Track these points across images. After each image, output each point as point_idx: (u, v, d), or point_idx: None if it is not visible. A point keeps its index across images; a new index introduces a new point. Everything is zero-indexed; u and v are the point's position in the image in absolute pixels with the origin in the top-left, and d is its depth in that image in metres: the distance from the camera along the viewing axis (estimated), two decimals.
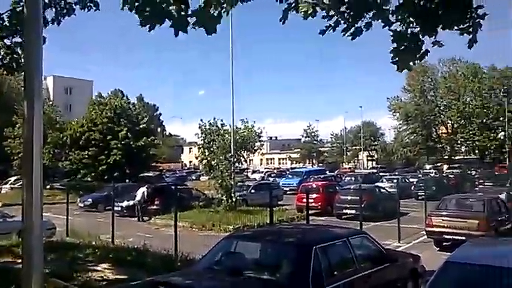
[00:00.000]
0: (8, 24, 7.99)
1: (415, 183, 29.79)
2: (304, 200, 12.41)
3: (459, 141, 67.21)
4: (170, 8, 4.43)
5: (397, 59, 4.54)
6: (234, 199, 19.82)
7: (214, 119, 24.46)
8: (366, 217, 14.31)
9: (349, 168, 65.05)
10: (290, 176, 40.23)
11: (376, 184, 26.37)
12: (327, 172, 46.31)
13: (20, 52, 8.17)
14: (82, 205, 23.71)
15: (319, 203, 20.58)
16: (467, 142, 64.99)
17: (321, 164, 72.17)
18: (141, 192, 20.38)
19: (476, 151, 65.44)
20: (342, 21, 4.59)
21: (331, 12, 4.55)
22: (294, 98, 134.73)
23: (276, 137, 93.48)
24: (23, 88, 3.10)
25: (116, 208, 15.90)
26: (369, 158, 78.69)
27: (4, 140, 35.99)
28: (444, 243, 12.40)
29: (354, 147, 78.16)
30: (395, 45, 4.54)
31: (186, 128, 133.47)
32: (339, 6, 4.49)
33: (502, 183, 26.13)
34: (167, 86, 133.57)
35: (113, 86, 65.10)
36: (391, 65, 4.65)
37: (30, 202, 2.89)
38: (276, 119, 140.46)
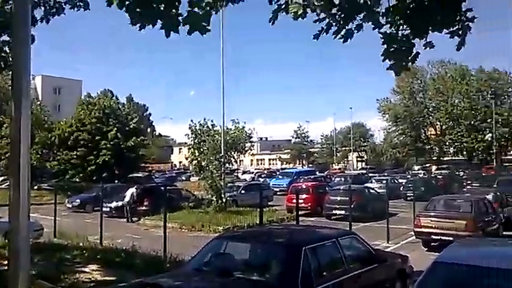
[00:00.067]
0: None
1: (404, 184, 30.03)
2: (294, 200, 12.45)
3: (447, 143, 67.97)
4: (161, 7, 4.40)
5: (392, 62, 4.56)
6: (224, 200, 19.80)
7: (204, 119, 24.40)
8: (355, 218, 14.39)
9: (339, 169, 65.35)
10: (280, 177, 40.29)
11: (366, 185, 26.54)
12: (317, 173, 46.50)
13: (7, 51, 8.06)
14: (70, 206, 23.50)
15: (309, 204, 20.64)
16: (456, 143, 65.74)
17: (311, 165, 72.38)
18: (130, 192, 20.25)
19: (464, 152, 66.18)
20: (334, 23, 4.60)
21: (322, 15, 4.56)
22: (284, 98, 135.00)
23: (267, 138, 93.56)
24: (10, 87, 3.07)
25: (104, 209, 15.81)
26: (358, 158, 79.14)
27: None
28: (432, 244, 12.51)
29: (344, 148, 78.56)
30: (385, 47, 4.56)
31: (176, 128, 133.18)
32: (330, 8, 4.50)
33: (489, 184, 26.47)
34: (157, 86, 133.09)
35: (103, 86, 64.91)
36: (381, 67, 4.68)
37: (17, 202, 2.85)
38: (266, 120, 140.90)
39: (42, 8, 7.54)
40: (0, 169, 35.75)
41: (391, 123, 72.12)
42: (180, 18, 4.40)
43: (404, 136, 70.54)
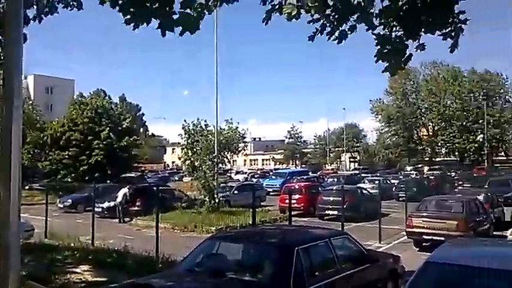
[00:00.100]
0: None
1: (396, 184, 30.19)
2: (287, 200, 12.45)
3: (439, 143, 68.45)
4: (154, 6, 4.39)
5: (386, 64, 4.58)
6: (216, 200, 19.76)
7: (198, 119, 24.36)
8: (348, 218, 14.45)
9: (332, 169, 65.57)
10: (273, 177, 40.33)
11: (358, 185, 26.63)
12: (310, 173, 46.62)
13: None
14: (61, 206, 23.32)
15: (302, 204, 20.67)
16: (448, 144, 66.22)
17: (304, 165, 72.54)
18: (123, 193, 20.14)
19: (456, 153, 66.72)
20: (328, 24, 4.61)
21: (316, 16, 4.57)
22: (278, 99, 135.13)
23: (260, 138, 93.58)
24: (2, 87, 3.05)
25: (96, 209, 15.70)
26: (351, 159, 79.43)
27: None
28: (424, 244, 12.58)
29: (337, 149, 78.82)
30: (379, 48, 4.58)
31: (170, 128, 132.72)
32: (324, 9, 4.51)
33: (480, 184, 26.70)
34: (151, 86, 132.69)
35: (96, 86, 64.43)
36: (373, 68, 4.72)
37: (7, 202, 2.84)
38: (260, 120, 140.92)
39: (35, 7, 7.47)
40: None
41: (384, 124, 72.51)
42: (174, 17, 4.39)
43: (396, 137, 70.95)
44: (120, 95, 64.23)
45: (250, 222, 12.34)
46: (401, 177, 39.11)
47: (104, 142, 33.12)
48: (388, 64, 4.56)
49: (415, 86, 71.67)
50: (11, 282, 2.79)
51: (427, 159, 69.00)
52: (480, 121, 61.27)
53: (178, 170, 60.07)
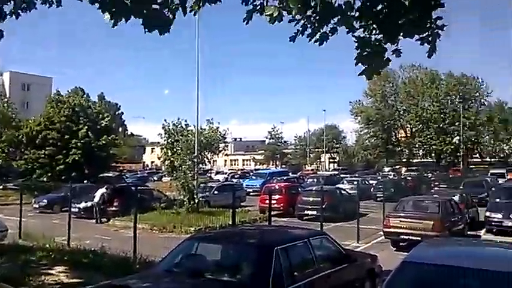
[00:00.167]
0: None
1: (374, 185, 30.57)
2: (267, 201, 12.45)
3: (417, 145, 69.75)
4: (132, 5, 4.32)
5: (364, 67, 4.61)
6: (196, 200, 19.64)
7: (178, 119, 24.19)
8: (327, 218, 14.53)
9: (312, 170, 66.04)
10: (254, 178, 40.36)
11: (337, 186, 26.87)
12: (290, 174, 46.79)
13: None
14: (37, 206, 22.83)
15: (282, 204, 20.72)
16: (425, 146, 67.55)
17: (284, 166, 72.83)
18: (100, 193, 19.84)
19: (433, 155, 68.10)
20: (309, 26, 4.62)
21: (298, 17, 4.58)
22: (259, 100, 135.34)
23: (241, 138, 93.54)
24: None
25: (72, 209, 15.40)
26: (331, 160, 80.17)
27: None
28: (401, 244, 12.75)
29: (317, 150, 79.42)
30: (359, 51, 4.61)
31: (149, 128, 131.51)
32: (305, 10, 4.52)
33: (456, 185, 27.28)
34: (131, 85, 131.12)
35: (75, 84, 62.93)
36: (354, 70, 4.72)
37: None
38: (241, 121, 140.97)
39: (12, 2, 7.26)
40: None
41: (363, 125, 73.48)
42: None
43: (375, 138, 71.98)
44: (99, 94, 63.34)
45: (230, 223, 12.31)
46: (379, 178, 39.68)
47: (82, 141, 32.53)
48: (365, 67, 4.60)
49: (394, 89, 72.87)
50: None
51: (404, 160, 70.25)
52: (456, 123, 62.73)
53: (158, 170, 59.56)
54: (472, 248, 6.54)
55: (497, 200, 17.03)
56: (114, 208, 19.60)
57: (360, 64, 4.63)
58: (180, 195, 20.08)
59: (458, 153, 62.79)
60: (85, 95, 40.51)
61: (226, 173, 53.97)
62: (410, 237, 12.04)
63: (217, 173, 55.58)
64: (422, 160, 69.24)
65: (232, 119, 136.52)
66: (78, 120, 33.87)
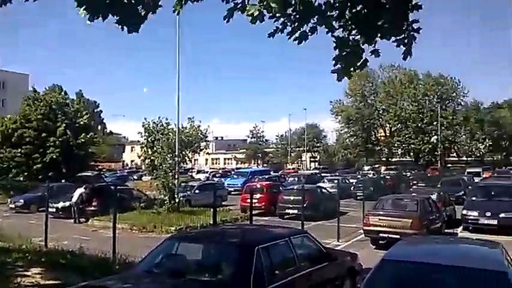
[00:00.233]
0: None
1: (354, 183, 30.86)
2: (248, 200, 12.46)
3: (396, 144, 70.80)
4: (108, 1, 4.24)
5: (337, 67, 4.64)
6: (177, 200, 19.48)
7: (159, 117, 23.89)
8: (308, 217, 14.63)
9: (293, 168, 66.30)
10: (235, 176, 40.28)
11: (318, 184, 27.02)
12: (272, 172, 46.89)
13: None
14: (13, 206, 22.35)
15: (263, 203, 20.76)
16: (403, 145, 68.61)
17: (265, 165, 73.00)
18: (79, 192, 19.50)
19: (411, 154, 69.22)
20: (289, 24, 4.63)
21: (278, 15, 4.58)
22: (241, 98, 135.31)
23: (222, 137, 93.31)
24: None
25: (50, 209, 15.12)
26: (311, 159, 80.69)
27: None
28: (380, 242, 12.91)
29: (298, 149, 79.85)
30: (337, 52, 4.64)
31: (129, 126, 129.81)
32: (286, 9, 4.53)
33: (434, 184, 27.77)
34: (110, 82, 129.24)
35: (54, 82, 61.47)
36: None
37: None
38: (222, 120, 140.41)
39: None
40: None
41: (344, 124, 74.18)
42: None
43: (355, 137, 72.75)
44: (77, 91, 62.20)
45: (211, 222, 12.26)
46: (359, 176, 40.07)
47: (60, 139, 31.90)
48: (343, 67, 4.63)
49: (373, 88, 73.77)
50: None
51: (384, 159, 71.25)
52: (434, 123, 63.88)
53: (138, 169, 58.89)
54: (449, 246, 6.68)
55: (474, 199, 17.38)
56: (93, 208, 19.31)
57: (337, 65, 4.67)
58: (160, 194, 19.90)
59: (436, 153, 63.96)
60: (63, 93, 39.68)
61: (207, 172, 53.72)
62: (390, 235, 12.21)
63: (199, 172, 55.29)
64: (401, 159, 70.32)
65: (213, 117, 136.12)
66: (56, 118, 33.19)
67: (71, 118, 34.13)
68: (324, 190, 22.48)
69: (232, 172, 48.47)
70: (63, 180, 27.09)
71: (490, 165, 56.54)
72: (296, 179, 35.48)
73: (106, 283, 5.69)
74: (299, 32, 4.61)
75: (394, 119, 68.39)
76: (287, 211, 19.03)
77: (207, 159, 77.78)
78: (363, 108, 71.50)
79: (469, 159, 69.54)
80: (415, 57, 4.72)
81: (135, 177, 46.52)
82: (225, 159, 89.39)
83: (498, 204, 15.84)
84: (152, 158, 22.53)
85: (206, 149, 36.96)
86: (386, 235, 12.60)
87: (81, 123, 34.56)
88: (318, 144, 79.97)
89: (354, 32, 4.61)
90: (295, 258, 6.52)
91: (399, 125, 68.61)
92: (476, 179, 34.48)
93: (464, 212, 16.07)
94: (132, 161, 79.36)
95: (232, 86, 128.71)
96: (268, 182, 27.47)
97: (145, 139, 23.57)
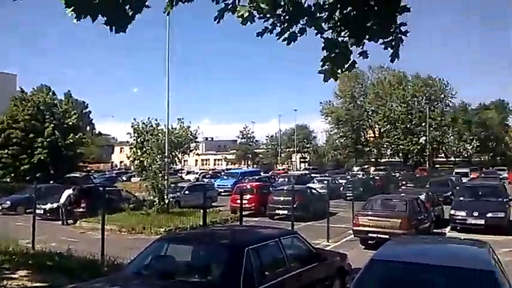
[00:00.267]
0: None
1: (344, 184, 31.01)
2: (238, 201, 12.44)
3: (385, 145, 71.41)
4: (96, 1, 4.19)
5: (324, 68, 4.66)
6: (166, 201, 19.37)
7: (148, 118, 23.76)
8: (298, 217, 14.64)
9: (283, 169, 66.47)
10: (225, 177, 40.19)
11: (308, 185, 27.09)
12: (262, 173, 46.90)
13: None
14: None
15: (253, 204, 20.75)
16: (392, 146, 69.21)
17: (256, 165, 73.02)
18: (67, 194, 19.29)
19: (400, 154, 69.84)
20: (278, 24, 4.63)
21: (268, 16, 4.58)
22: (231, 99, 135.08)
23: (212, 138, 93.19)
24: None
25: (37, 211, 14.95)
26: (301, 159, 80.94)
27: None
28: (369, 242, 12.96)
29: (288, 149, 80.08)
30: (325, 53, 4.66)
31: (119, 127, 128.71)
32: (275, 10, 4.53)
33: (422, 184, 28.00)
34: (99, 83, 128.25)
35: (42, 82, 60.53)
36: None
37: None
38: (213, 120, 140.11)
39: None
40: None
41: (333, 125, 74.64)
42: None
43: (345, 138, 73.22)
44: (65, 92, 61.56)
45: (201, 223, 12.20)
46: (348, 177, 40.20)
47: (48, 140, 31.58)
48: (329, 69, 4.65)
49: (363, 90, 74.34)
50: None
51: (373, 160, 71.79)
52: (423, 124, 64.53)
53: (127, 170, 58.56)
54: (437, 246, 6.73)
55: (461, 199, 17.55)
56: (81, 209, 19.10)
57: (325, 66, 4.68)
58: (149, 195, 19.77)
59: (424, 153, 64.60)
60: (51, 93, 39.29)
61: (197, 173, 53.60)
62: (379, 235, 12.25)
63: (188, 172, 55.11)
64: (390, 160, 70.91)
65: (204, 118, 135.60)
66: (44, 119, 32.86)
67: (59, 119, 33.81)
68: (313, 191, 22.54)
69: (222, 173, 48.38)
70: (51, 182, 26.81)
71: (477, 166, 57.32)
72: (286, 179, 35.51)
73: (94, 285, 5.65)
74: (288, 32, 4.61)
75: (383, 120, 68.94)
76: (277, 212, 19.03)
77: (196, 160, 77.55)
78: (352, 110, 71.98)
79: (457, 159, 70.40)
80: (405, 59, 4.76)
81: (124, 178, 46.22)
82: (215, 160, 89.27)
83: (485, 204, 16.03)
84: (141, 159, 22.41)
85: (196, 149, 36.83)
86: (375, 235, 12.64)
87: (70, 123, 34.25)
88: (308, 145, 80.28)
89: (342, 33, 4.63)
90: (285, 258, 6.52)
91: (388, 126, 69.19)
92: (464, 180, 34.86)
93: (452, 212, 16.23)
94: (121, 162, 78.89)
95: (223, 87, 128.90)
96: (258, 183, 27.46)
97: (134, 140, 23.43)
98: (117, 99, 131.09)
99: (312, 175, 41.91)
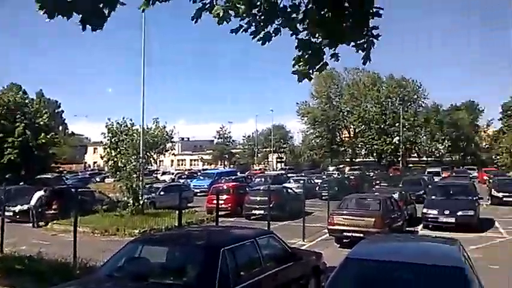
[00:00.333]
0: None
1: (319, 184, 31.27)
2: (215, 201, 12.37)
3: (360, 145, 72.49)
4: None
5: (297, 68, 4.69)
6: (141, 202, 19.11)
7: (123, 118, 23.37)
8: (274, 217, 14.67)
9: (260, 169, 66.56)
10: (201, 178, 39.98)
11: (284, 185, 27.21)
12: (238, 173, 46.82)
13: None
14: None
15: (230, 204, 20.68)
16: (367, 146, 70.32)
17: (232, 166, 72.86)
18: (38, 195, 18.77)
19: (374, 154, 71.00)
20: (253, 24, 4.63)
21: (244, 15, 4.58)
22: (208, 99, 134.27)
23: (188, 138, 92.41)
24: None
25: (7, 213, 14.57)
26: (278, 159, 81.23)
27: None
28: (344, 241, 13.12)
29: (265, 149, 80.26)
30: (298, 53, 4.68)
31: (93, 127, 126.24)
32: (251, 9, 4.53)
33: (396, 183, 28.54)
34: (73, 82, 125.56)
35: (14, 80, 58.63)
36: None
37: None
38: (189, 120, 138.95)
39: None
40: None
41: (309, 126, 75.25)
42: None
43: (321, 138, 73.94)
44: (37, 91, 60.05)
45: (176, 224, 12.09)
46: (324, 177, 40.59)
47: (19, 139, 30.68)
48: (303, 69, 4.68)
49: (338, 90, 75.20)
50: None
51: (348, 159, 72.74)
52: (396, 124, 65.75)
53: (100, 170, 57.48)
54: (410, 244, 6.86)
55: (433, 197, 17.96)
56: (52, 211, 18.62)
57: (297, 66, 4.72)
58: (124, 196, 19.45)
59: (397, 153, 65.84)
60: (21, 92, 38.21)
61: (173, 174, 53.07)
62: (353, 234, 12.40)
63: (164, 173, 54.52)
64: (365, 159, 72.01)
65: (180, 118, 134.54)
66: (15, 119, 31.92)
67: (30, 118, 32.91)
68: (290, 190, 22.63)
69: (199, 173, 48.09)
70: (21, 183, 26.05)
71: (448, 165, 58.81)
72: (263, 179, 35.56)
73: None
74: (263, 32, 4.62)
75: (358, 120, 69.93)
76: (253, 212, 19.04)
77: (172, 161, 76.77)
78: (328, 110, 72.74)
79: (429, 159, 71.97)
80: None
81: (98, 179, 45.31)
82: (191, 160, 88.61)
83: (456, 203, 16.45)
84: (115, 159, 22.03)
85: (172, 150, 36.47)
86: (350, 234, 12.79)
87: (41, 123, 33.37)
88: (285, 145, 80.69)
89: (317, 35, 4.67)
90: (261, 259, 6.52)
91: (363, 126, 70.23)
92: (436, 179, 35.71)
93: (425, 210, 16.58)
94: (94, 163, 77.41)
95: (200, 87, 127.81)
96: (234, 183, 27.41)
97: (108, 140, 23.01)
98: (91, 99, 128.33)
99: (288, 175, 42.13)
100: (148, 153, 25.12)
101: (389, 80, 71.57)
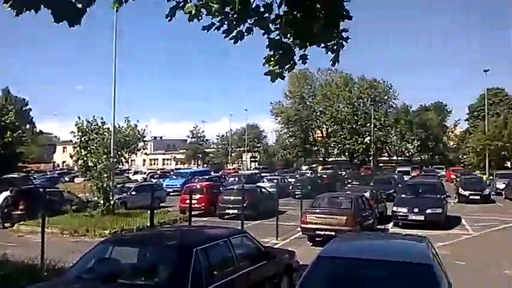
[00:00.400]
0: None
1: (293, 183, 31.48)
2: (188, 201, 12.27)
3: (332, 145, 73.48)
4: None
5: (269, 68, 4.71)
6: (112, 202, 18.76)
7: (93, 117, 22.85)
8: (248, 216, 14.70)
9: (234, 169, 66.47)
10: (174, 177, 39.56)
11: (258, 184, 27.26)
12: (212, 173, 46.60)
13: None
14: None
15: (203, 204, 20.56)
16: (339, 145, 71.37)
17: (206, 165, 72.49)
18: (4, 196, 18.18)
19: (346, 153, 72.11)
20: (226, 22, 4.61)
21: (216, 14, 4.55)
22: (181, 98, 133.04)
23: (161, 137, 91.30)
24: None
25: None
26: (252, 159, 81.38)
27: None
28: (317, 239, 13.25)
29: (239, 149, 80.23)
30: (270, 53, 4.70)
31: (61, 125, 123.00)
32: (224, 8, 4.51)
33: (367, 182, 29.03)
34: (41, 80, 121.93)
35: None
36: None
37: None
38: (161, 119, 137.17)
39: None
40: None
41: (283, 125, 75.73)
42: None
43: (294, 138, 74.52)
44: (3, 88, 58.13)
45: (148, 224, 11.92)
46: (297, 176, 40.86)
47: None
48: (273, 69, 4.71)
49: (312, 91, 75.96)
50: None
51: (321, 159, 73.58)
52: (367, 124, 67.00)
53: (70, 170, 56.13)
54: (380, 241, 7.00)
55: (403, 196, 18.37)
56: (19, 212, 18.05)
57: (268, 65, 4.75)
58: (94, 196, 19.05)
59: (369, 153, 67.08)
60: None
61: (145, 173, 52.33)
62: (326, 233, 12.52)
63: (136, 172, 53.68)
64: (337, 159, 73.01)
65: (153, 116, 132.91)
66: None
67: None
68: (263, 190, 22.69)
69: (171, 173, 47.58)
70: None
71: (418, 165, 60.34)
72: (236, 179, 35.51)
73: None
74: (236, 31, 4.61)
75: (330, 120, 70.87)
76: (227, 211, 19.00)
77: (144, 160, 75.76)
78: (301, 110, 73.37)
79: (399, 158, 73.60)
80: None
81: (67, 178, 44.18)
82: (164, 159, 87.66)
83: (425, 201, 16.88)
84: (85, 158, 21.53)
85: (144, 149, 35.99)
86: (322, 232, 12.90)
87: (7, 121, 32.27)
88: (258, 145, 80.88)
89: (288, 35, 4.70)
90: (234, 258, 6.52)
91: (335, 126, 71.21)
92: (406, 178, 36.55)
93: (395, 208, 16.95)
94: (63, 162, 75.53)
95: (172, 86, 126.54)
96: (208, 183, 27.26)
97: (78, 139, 22.47)
98: (61, 98, 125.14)
99: (262, 174, 42.20)
100: (119, 153, 24.71)
101: (360, 80, 72.81)
